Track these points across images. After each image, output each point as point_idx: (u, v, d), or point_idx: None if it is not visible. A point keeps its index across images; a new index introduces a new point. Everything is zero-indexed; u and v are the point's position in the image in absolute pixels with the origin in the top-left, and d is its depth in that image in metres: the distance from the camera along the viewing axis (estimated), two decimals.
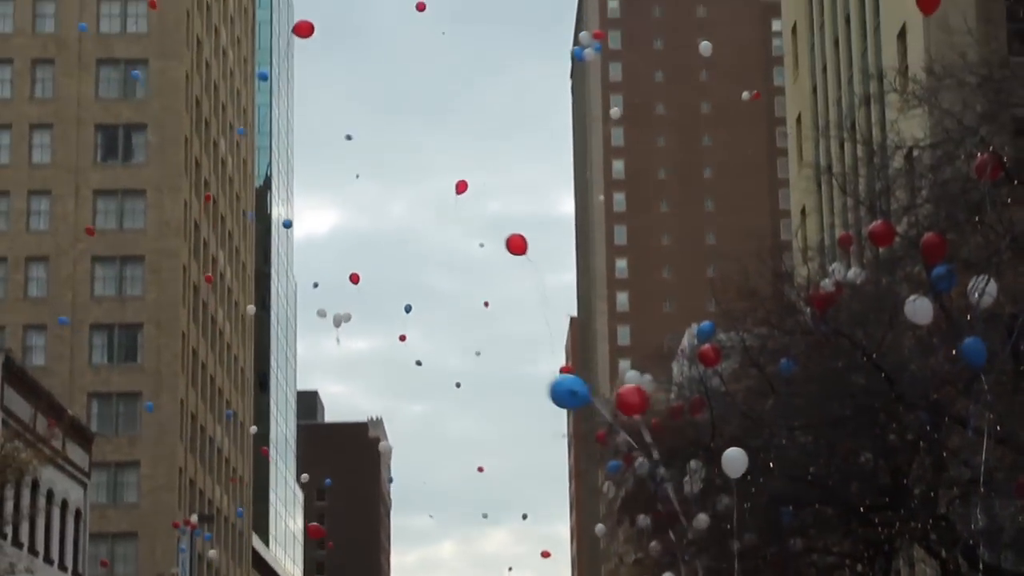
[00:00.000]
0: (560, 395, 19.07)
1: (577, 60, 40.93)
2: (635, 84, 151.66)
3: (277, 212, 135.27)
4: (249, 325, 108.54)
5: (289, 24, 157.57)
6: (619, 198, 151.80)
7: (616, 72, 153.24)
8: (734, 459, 27.52)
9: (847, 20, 55.40)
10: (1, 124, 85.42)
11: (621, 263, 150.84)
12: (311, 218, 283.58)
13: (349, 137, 58.07)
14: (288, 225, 61.82)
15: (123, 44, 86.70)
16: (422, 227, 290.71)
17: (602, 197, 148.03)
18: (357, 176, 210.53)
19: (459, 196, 38.50)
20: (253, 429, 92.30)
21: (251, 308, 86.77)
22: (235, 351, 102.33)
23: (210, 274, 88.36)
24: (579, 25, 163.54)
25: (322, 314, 48.89)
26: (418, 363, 62.97)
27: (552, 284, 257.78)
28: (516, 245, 27.67)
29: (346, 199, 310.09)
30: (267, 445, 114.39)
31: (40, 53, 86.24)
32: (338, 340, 52.19)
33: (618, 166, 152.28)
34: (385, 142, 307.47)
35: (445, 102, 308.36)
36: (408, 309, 51.24)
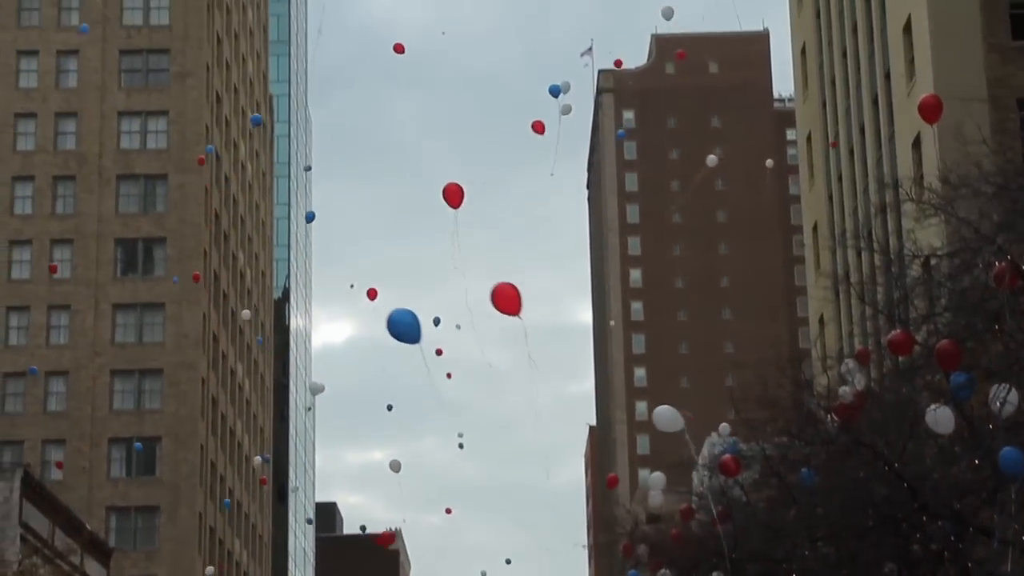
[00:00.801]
0: (401, 325, 20.52)
1: (554, 95, 41.57)
2: (651, 193, 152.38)
3: (295, 324, 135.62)
4: (268, 437, 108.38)
5: (308, 137, 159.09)
6: (636, 307, 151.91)
7: (632, 182, 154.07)
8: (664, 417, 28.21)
9: (861, 130, 55.76)
10: (22, 240, 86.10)
11: (639, 372, 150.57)
12: (329, 329, 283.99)
13: (308, 168, 59.57)
14: (310, 219, 61.90)
15: (143, 159, 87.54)
16: (438, 336, 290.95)
17: (613, 322, 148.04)
18: (352, 286, 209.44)
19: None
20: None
21: (257, 459, 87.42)
22: (253, 463, 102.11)
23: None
24: (595, 136, 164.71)
25: (315, 389, 49.87)
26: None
27: (570, 392, 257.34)
28: (506, 301, 26.26)
29: (363, 309, 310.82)
30: (286, 557, 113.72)
31: (61, 170, 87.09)
32: (309, 408, 53.84)
33: (635, 275, 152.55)
34: (402, 252, 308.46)
35: (460, 212, 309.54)
36: (437, 322, 50.87)
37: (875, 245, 47.66)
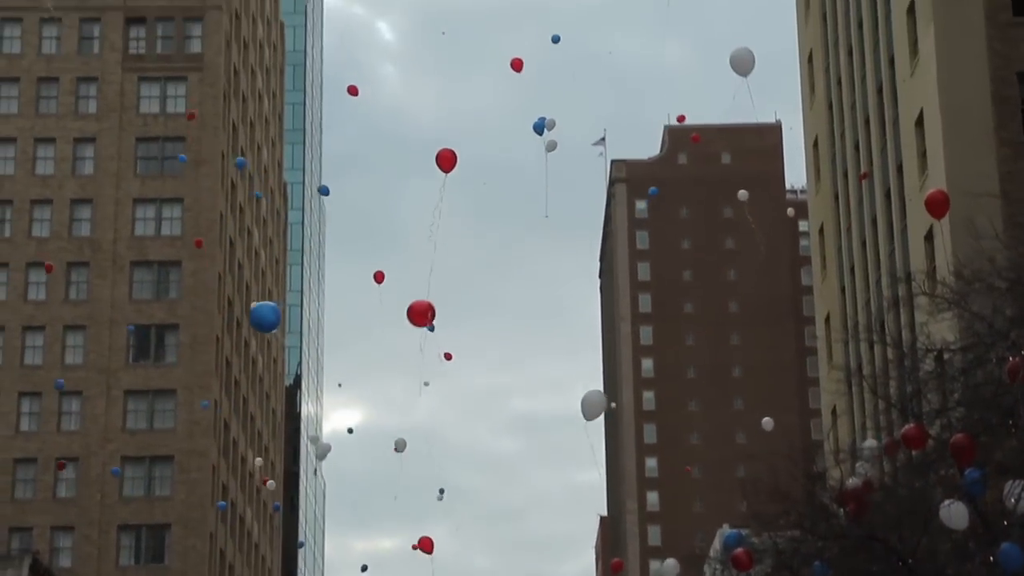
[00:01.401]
0: (263, 318, 23.33)
1: (538, 131, 41.83)
2: (663, 283, 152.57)
3: (306, 411, 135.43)
4: (277, 525, 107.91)
5: (322, 225, 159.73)
6: (648, 396, 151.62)
7: (644, 271, 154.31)
8: None
9: (874, 222, 55.86)
10: (35, 326, 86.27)
11: (651, 462, 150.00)
12: (339, 416, 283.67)
13: (324, 191, 59.44)
14: (325, 192, 60.74)
15: (157, 246, 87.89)
16: (448, 424, 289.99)
17: (614, 404, 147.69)
18: (339, 385, 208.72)
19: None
20: None
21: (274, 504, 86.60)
22: (263, 551, 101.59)
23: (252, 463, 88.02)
24: (607, 225, 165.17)
25: (315, 441, 49.96)
26: None
27: (581, 482, 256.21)
28: (418, 316, 28.32)
29: (373, 395, 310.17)
30: None
31: (75, 256, 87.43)
32: (316, 471, 53.89)
33: (647, 364, 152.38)
34: (412, 338, 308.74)
35: (471, 298, 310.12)
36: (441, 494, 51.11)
37: (888, 338, 47.59)
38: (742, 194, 51.62)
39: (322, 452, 49.53)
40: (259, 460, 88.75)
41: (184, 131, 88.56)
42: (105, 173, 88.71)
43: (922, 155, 48.56)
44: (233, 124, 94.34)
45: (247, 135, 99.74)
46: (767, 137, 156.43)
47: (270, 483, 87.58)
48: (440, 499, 58.40)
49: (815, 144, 65.35)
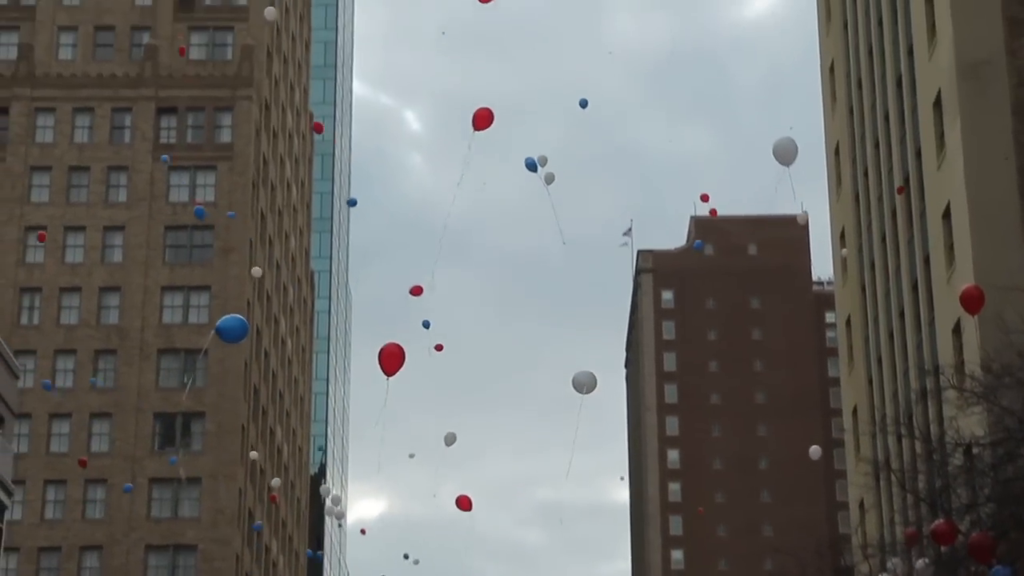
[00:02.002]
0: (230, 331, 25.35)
1: (531, 168, 41.89)
2: (690, 374, 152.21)
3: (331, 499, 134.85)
4: None
5: (348, 313, 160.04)
6: (674, 488, 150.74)
7: (671, 362, 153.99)
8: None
9: (901, 314, 55.73)
10: (62, 413, 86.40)
11: (677, 554, 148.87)
12: (363, 505, 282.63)
13: (352, 202, 59.98)
14: (352, 203, 61.55)
15: (184, 334, 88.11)
16: (472, 513, 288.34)
17: (623, 477, 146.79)
18: (330, 493, 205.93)
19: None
20: None
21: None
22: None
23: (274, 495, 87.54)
24: (634, 315, 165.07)
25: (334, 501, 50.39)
26: None
27: (606, 573, 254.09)
28: (389, 360, 29.38)
29: (397, 483, 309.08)
30: None
31: (103, 344, 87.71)
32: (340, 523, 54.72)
33: (673, 456, 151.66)
34: (437, 427, 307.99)
35: (497, 387, 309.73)
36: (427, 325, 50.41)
37: (916, 432, 47.31)
38: (802, 216, 52.79)
39: (337, 514, 50.13)
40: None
41: (212, 219, 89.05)
42: (134, 261, 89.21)
43: (949, 248, 48.51)
44: (262, 213, 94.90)
45: (275, 224, 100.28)
46: (793, 229, 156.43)
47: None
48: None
49: (842, 235, 65.37)
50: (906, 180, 54.94)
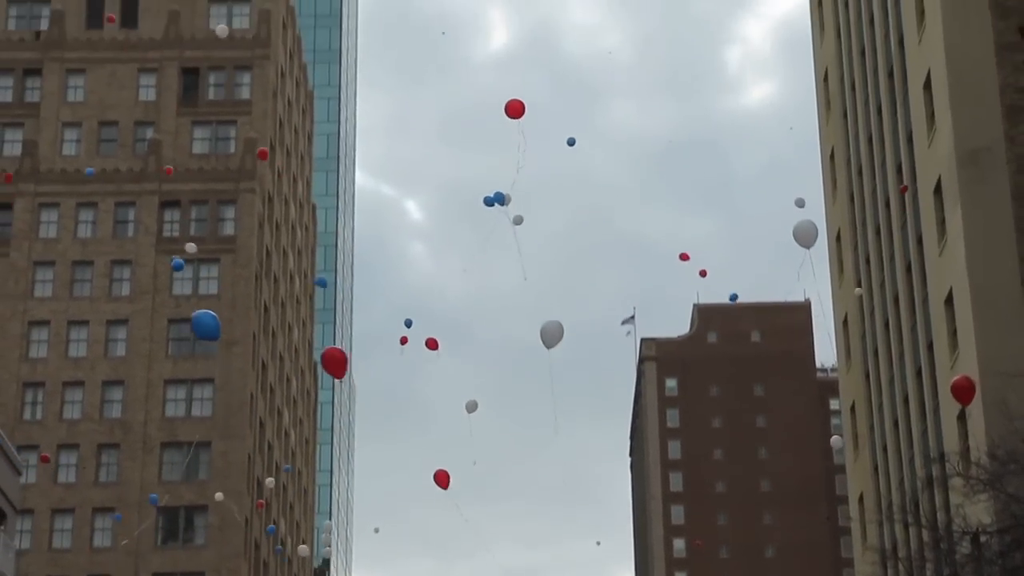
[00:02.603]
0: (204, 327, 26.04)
1: (495, 203, 41.83)
2: (694, 462, 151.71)
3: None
4: None
5: (352, 404, 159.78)
6: None
7: (676, 450, 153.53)
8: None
9: (905, 401, 55.62)
10: (65, 508, 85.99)
11: None
12: None
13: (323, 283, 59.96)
14: (321, 283, 61.57)
15: (187, 427, 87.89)
16: None
17: None
18: (376, 530, 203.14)
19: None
20: None
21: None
22: None
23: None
24: (637, 403, 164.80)
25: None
26: None
27: None
28: (332, 364, 29.24)
29: (403, 575, 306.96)
30: None
31: (106, 438, 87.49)
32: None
33: (679, 544, 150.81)
34: (440, 519, 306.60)
35: (501, 477, 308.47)
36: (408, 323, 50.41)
37: (923, 520, 47.06)
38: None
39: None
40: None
41: (215, 311, 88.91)
42: (137, 354, 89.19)
43: (952, 334, 48.50)
44: (264, 305, 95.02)
45: (278, 315, 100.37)
46: (796, 315, 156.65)
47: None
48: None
49: (844, 322, 65.40)
50: (908, 267, 55.06)
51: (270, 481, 75.30)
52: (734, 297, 55.52)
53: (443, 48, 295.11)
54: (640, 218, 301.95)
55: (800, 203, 49.98)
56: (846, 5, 64.95)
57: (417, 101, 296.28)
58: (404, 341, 47.83)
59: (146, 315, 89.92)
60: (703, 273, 55.46)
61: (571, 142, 48.18)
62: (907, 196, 54.89)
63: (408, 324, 54.51)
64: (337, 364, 30.09)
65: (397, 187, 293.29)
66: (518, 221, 43.17)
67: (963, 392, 26.54)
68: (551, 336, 32.02)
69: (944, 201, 49.45)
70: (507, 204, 42.39)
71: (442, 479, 42.66)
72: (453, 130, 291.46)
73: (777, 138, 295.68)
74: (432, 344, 46.91)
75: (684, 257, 53.74)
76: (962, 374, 35.14)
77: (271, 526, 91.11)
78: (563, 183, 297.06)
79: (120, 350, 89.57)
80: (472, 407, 47.70)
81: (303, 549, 76.86)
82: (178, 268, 63.86)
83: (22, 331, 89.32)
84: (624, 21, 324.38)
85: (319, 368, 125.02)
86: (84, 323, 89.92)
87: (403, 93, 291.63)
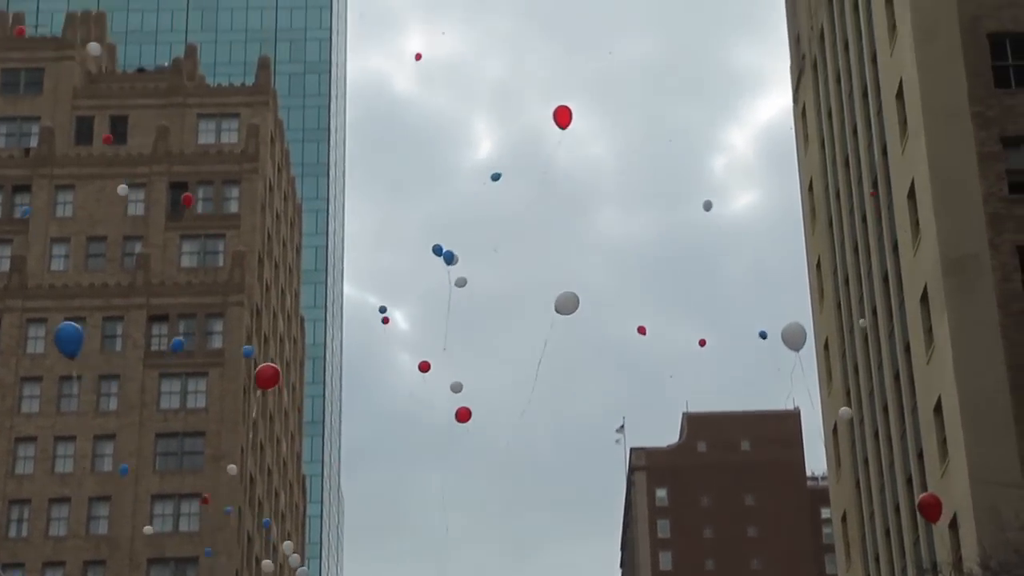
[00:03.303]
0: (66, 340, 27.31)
1: (443, 255, 41.72)
2: (686, 572, 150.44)
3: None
4: None
5: (340, 517, 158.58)
6: None
7: (667, 561, 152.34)
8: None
9: (897, 509, 55.41)
10: None
11: None
12: None
13: None
14: (248, 352, 61.21)
15: (174, 542, 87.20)
16: None
17: None
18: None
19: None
20: None
21: None
22: None
23: None
24: (628, 514, 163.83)
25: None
26: None
27: None
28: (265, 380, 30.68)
29: None
30: None
31: (92, 555, 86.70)
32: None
33: None
34: None
35: None
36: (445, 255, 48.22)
37: None
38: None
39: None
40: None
41: (204, 426, 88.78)
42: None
43: (942, 443, 48.41)
44: (252, 418, 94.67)
45: (266, 429, 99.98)
46: (786, 423, 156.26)
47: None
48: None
49: (834, 432, 65.27)
50: (896, 376, 55.07)
51: None
52: (764, 335, 52.18)
53: (429, 158, 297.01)
54: (628, 325, 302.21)
55: (707, 206, 50.17)
56: (829, 116, 65.57)
57: (403, 211, 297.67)
58: (386, 321, 48.68)
59: (133, 430, 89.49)
60: (641, 330, 56.27)
61: (495, 177, 49.18)
62: (893, 305, 55.04)
63: (442, 253, 48.23)
64: (267, 379, 30.55)
65: (383, 297, 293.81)
66: (461, 283, 43.37)
67: (930, 509, 26.43)
68: (567, 305, 32.67)
69: (931, 309, 49.59)
70: (454, 263, 42.77)
71: (463, 415, 42.70)
72: (438, 239, 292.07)
73: (762, 245, 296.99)
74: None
75: (641, 330, 55.68)
76: (929, 492, 35.03)
77: None
78: (551, 289, 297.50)
79: (107, 465, 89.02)
80: (457, 388, 47.11)
81: None
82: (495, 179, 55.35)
83: (8, 447, 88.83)
84: (609, 129, 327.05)
85: (307, 481, 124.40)
86: (71, 438, 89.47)
87: (389, 203, 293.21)
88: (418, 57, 58.48)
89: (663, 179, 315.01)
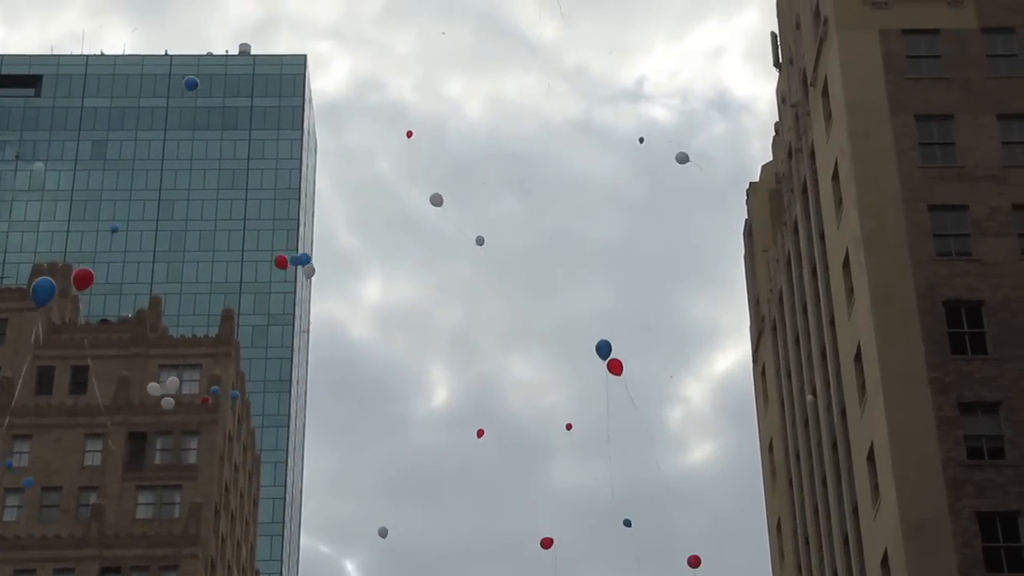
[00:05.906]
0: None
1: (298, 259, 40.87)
2: None
3: None
4: None
5: None
6: None
7: None
8: None
9: None
10: None
11: None
12: None
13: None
14: (115, 230, 58.31)
15: None
16: None
17: None
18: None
19: None
20: None
21: None
22: None
23: None
24: None
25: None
26: None
27: None
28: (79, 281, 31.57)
29: None
30: None
31: None
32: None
33: None
34: None
35: None
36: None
37: None
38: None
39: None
40: None
41: None
42: None
43: None
44: None
45: None
46: None
47: None
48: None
49: None
50: None
51: None
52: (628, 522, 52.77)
53: (384, 406, 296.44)
54: None
55: (682, 158, 49.22)
56: (788, 377, 66.06)
57: (358, 460, 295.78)
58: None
59: None
60: (569, 427, 55.76)
61: (114, 228, 49.32)
62: (854, 568, 54.67)
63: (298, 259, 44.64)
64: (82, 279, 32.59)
65: (335, 546, 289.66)
66: (383, 534, 43.61)
67: None
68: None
69: (892, 574, 49.26)
70: (310, 274, 42.05)
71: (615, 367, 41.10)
72: (392, 489, 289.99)
73: (720, 498, 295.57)
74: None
75: (546, 542, 54.66)
76: None
77: None
78: (505, 541, 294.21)
79: None
80: (437, 200, 45.92)
81: None
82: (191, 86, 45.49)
83: None
84: (565, 379, 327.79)
85: None
86: None
87: (345, 453, 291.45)
88: (409, 134, 52.87)
89: (619, 429, 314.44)
